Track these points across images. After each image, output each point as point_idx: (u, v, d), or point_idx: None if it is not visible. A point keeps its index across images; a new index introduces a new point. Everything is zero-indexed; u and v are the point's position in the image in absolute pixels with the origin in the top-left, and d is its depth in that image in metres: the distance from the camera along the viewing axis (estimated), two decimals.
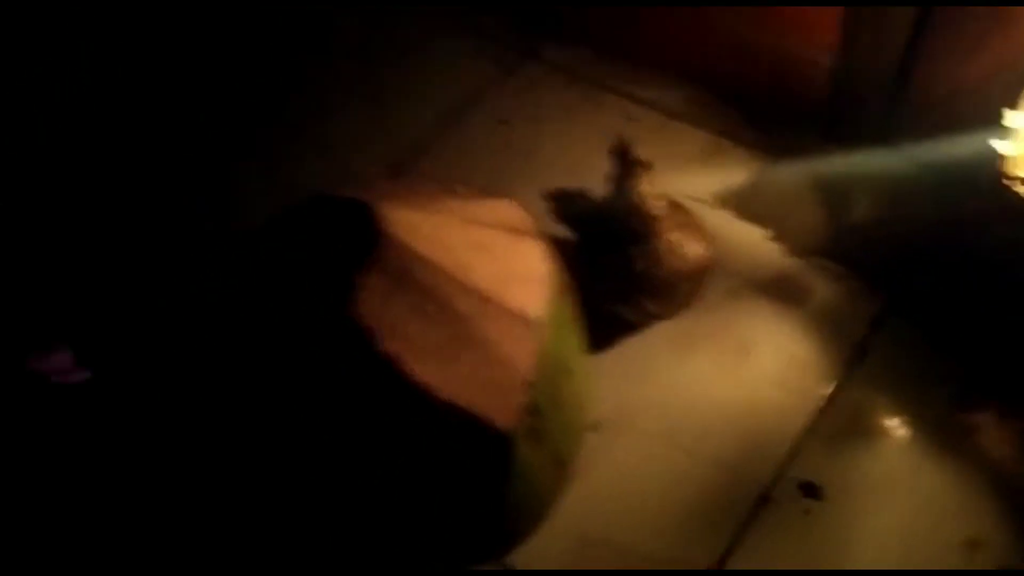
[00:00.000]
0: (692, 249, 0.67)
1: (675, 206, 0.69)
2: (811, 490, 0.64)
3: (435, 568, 0.58)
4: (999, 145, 0.61)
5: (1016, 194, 0.60)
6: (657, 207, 0.66)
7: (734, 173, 0.82)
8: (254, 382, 0.51)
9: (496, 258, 0.54)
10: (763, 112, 0.85)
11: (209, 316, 0.55)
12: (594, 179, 0.71)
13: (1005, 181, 0.60)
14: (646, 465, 0.67)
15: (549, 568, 0.63)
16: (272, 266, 0.54)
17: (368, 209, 0.52)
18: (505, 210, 0.59)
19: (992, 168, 0.61)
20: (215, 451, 0.57)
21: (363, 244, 0.51)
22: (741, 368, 0.71)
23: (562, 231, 0.72)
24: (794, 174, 0.80)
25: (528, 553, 0.63)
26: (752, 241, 0.77)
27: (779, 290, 0.74)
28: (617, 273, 0.67)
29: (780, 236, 0.76)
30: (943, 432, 0.66)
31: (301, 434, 0.51)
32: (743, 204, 0.79)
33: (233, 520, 0.59)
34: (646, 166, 0.66)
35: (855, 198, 0.77)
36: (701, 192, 0.81)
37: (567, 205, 0.71)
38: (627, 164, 0.66)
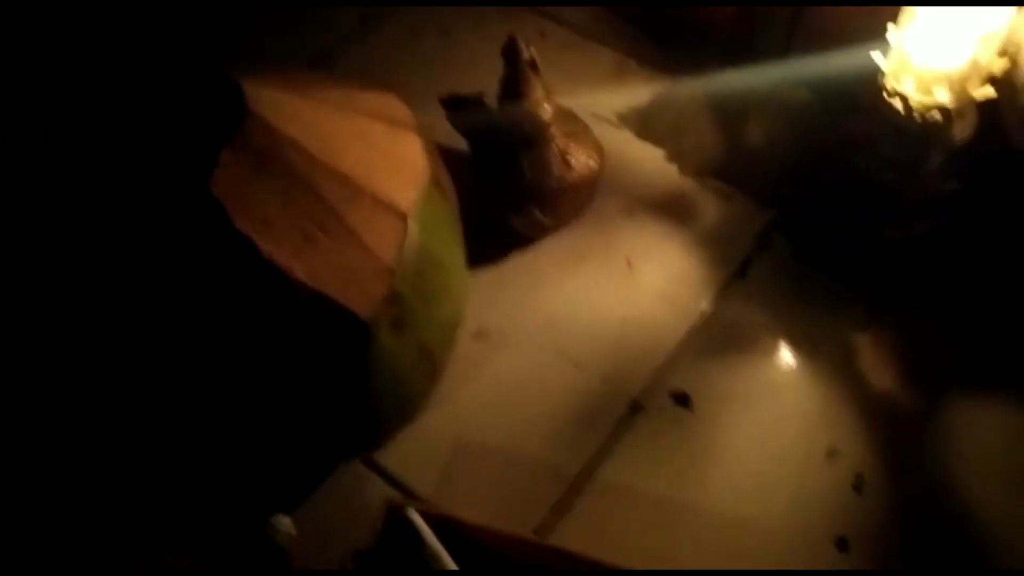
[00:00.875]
0: (582, 159, 0.67)
1: (567, 114, 0.69)
2: (683, 400, 0.66)
3: (301, 466, 0.58)
4: (879, 59, 0.61)
5: (894, 110, 0.60)
6: (548, 113, 0.66)
7: (638, 92, 0.82)
8: (105, 252, 0.50)
9: (370, 148, 0.54)
10: (669, 33, 0.85)
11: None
12: (496, 89, 0.71)
13: (884, 97, 0.61)
14: (525, 374, 0.68)
15: (419, 469, 0.64)
16: (136, 132, 0.53)
17: (239, 88, 0.51)
18: (387, 103, 0.59)
19: (873, 84, 0.62)
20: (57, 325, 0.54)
21: (233, 123, 0.50)
22: (626, 283, 0.71)
23: (458, 141, 0.72)
24: (694, 95, 0.81)
25: (399, 455, 0.64)
26: (649, 160, 0.78)
27: (669, 208, 0.75)
28: (508, 181, 0.67)
29: (676, 156, 0.77)
30: (815, 349, 0.68)
31: (153, 315, 0.50)
32: (644, 123, 0.79)
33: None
34: (537, 68, 0.66)
35: (750, 119, 0.78)
36: (606, 110, 0.81)
37: (461, 110, 0.70)
38: (519, 65, 0.66)
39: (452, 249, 0.58)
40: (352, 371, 0.51)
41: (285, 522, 0.56)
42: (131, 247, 0.49)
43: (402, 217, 0.52)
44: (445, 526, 0.56)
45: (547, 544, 0.57)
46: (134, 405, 0.52)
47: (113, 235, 0.49)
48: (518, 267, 0.72)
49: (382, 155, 0.54)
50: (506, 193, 0.68)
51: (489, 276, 0.72)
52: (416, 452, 0.65)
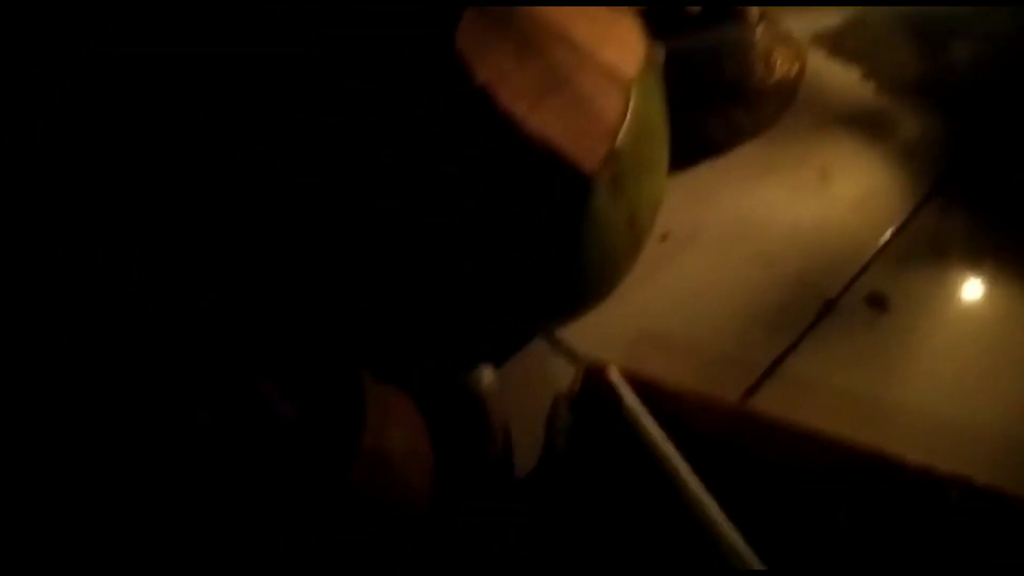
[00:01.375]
0: (785, 61, 0.68)
1: (770, 17, 0.70)
2: (877, 301, 0.66)
3: (502, 327, 0.61)
4: None
5: None
6: (752, 13, 0.67)
7: (831, 11, 0.82)
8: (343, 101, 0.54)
9: (595, 22, 0.56)
10: None
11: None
12: None
13: None
14: (713, 272, 0.69)
15: (603, 354, 0.66)
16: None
17: None
18: None
19: None
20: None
21: None
22: (819, 193, 0.72)
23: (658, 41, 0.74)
24: (890, 14, 0.80)
25: (583, 338, 0.66)
26: (843, 78, 0.78)
27: (865, 124, 0.75)
28: (707, 81, 0.68)
29: (871, 74, 0.77)
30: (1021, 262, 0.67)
31: (383, 161, 0.54)
32: (838, 42, 0.79)
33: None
34: None
35: (950, 41, 0.76)
36: (798, 29, 0.81)
37: (662, 15, 0.72)
38: None
39: (663, 127, 0.60)
40: (568, 227, 0.54)
41: (488, 373, 0.59)
42: (373, 94, 0.53)
43: (626, 86, 0.54)
44: (643, 390, 0.57)
45: (751, 410, 0.58)
46: (350, 247, 0.56)
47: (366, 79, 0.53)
48: (707, 173, 0.73)
49: (605, 30, 0.56)
50: (705, 96, 0.69)
51: (676, 181, 0.72)
52: (600, 338, 0.67)
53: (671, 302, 0.68)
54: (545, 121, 0.52)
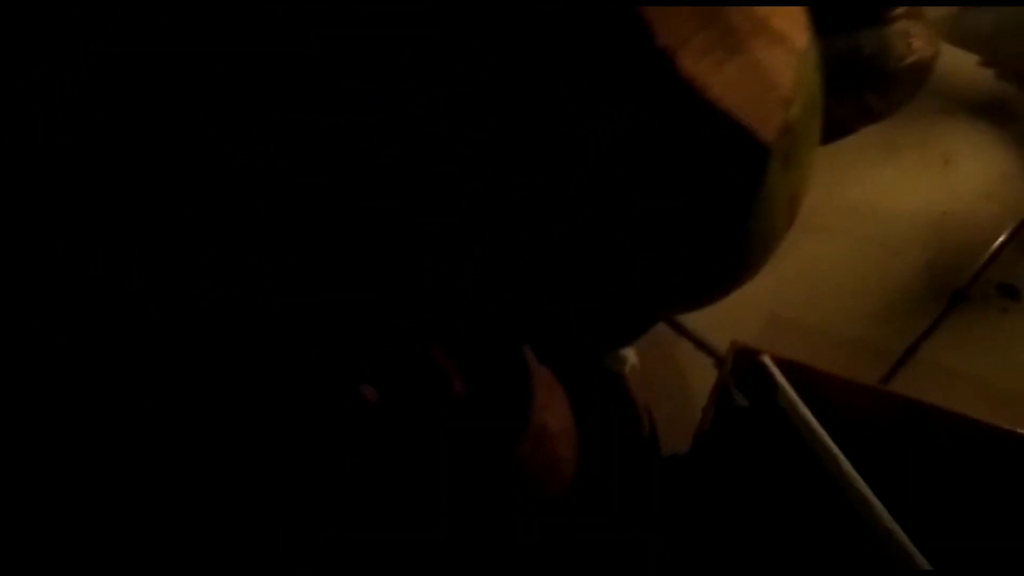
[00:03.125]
0: (921, 42, 0.66)
1: None
2: (1009, 291, 0.64)
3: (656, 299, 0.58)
4: None
5: None
6: None
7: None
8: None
9: None
10: None
11: None
12: None
13: None
14: (841, 258, 0.68)
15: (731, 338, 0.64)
16: None
17: None
18: None
19: None
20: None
21: None
22: (945, 178, 0.70)
23: None
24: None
25: (710, 322, 0.64)
26: (963, 64, 0.76)
27: (989, 110, 0.73)
28: (842, 59, 0.67)
29: (994, 61, 0.75)
30: None
31: (559, 126, 0.52)
32: (957, 29, 0.78)
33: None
34: None
35: None
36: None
37: None
38: None
39: (822, 102, 0.58)
40: (740, 198, 0.52)
41: (631, 354, 0.58)
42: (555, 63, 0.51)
43: (798, 54, 0.52)
44: (788, 371, 0.56)
45: (901, 395, 0.57)
46: (508, 222, 0.54)
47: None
48: (833, 155, 0.71)
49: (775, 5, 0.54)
50: (838, 76, 0.67)
51: None
52: (728, 322, 0.65)
53: (800, 286, 0.66)
54: (725, 86, 0.50)
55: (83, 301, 0.53)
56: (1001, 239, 0.67)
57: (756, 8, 0.52)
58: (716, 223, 0.53)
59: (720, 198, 0.52)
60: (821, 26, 0.67)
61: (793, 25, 0.54)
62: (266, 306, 0.53)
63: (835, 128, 0.70)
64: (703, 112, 0.50)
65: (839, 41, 0.66)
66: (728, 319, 0.66)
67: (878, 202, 0.69)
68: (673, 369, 0.63)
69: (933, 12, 0.78)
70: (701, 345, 0.65)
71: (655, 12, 0.50)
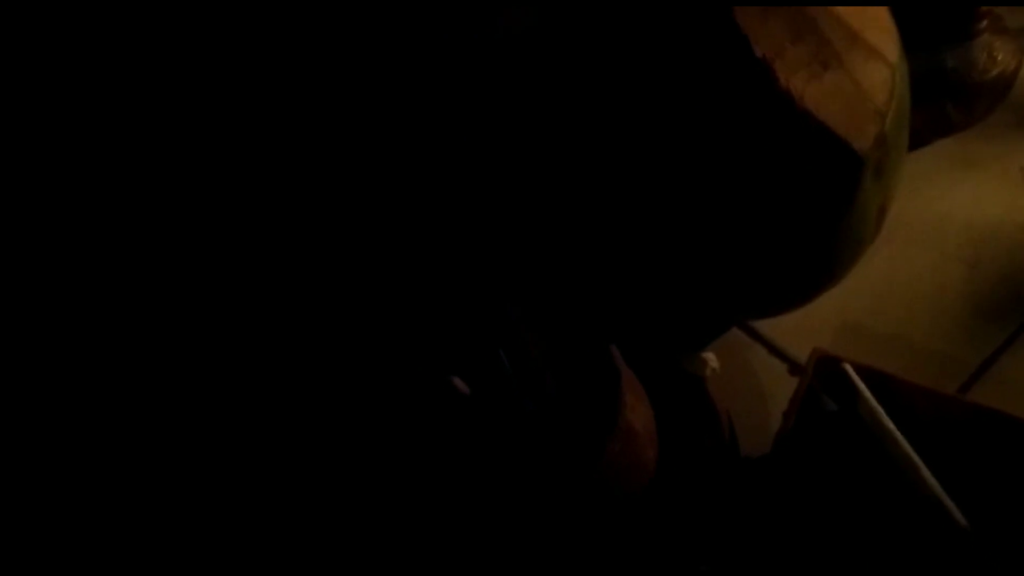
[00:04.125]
0: (1006, 55, 0.66)
1: (994, 12, 0.68)
2: None
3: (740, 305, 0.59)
4: None
5: None
6: (977, 8, 0.65)
7: None
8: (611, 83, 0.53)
9: (857, 8, 0.55)
10: None
11: None
12: None
13: None
14: (915, 269, 0.68)
15: (804, 346, 0.64)
16: None
17: None
18: None
19: None
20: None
21: None
22: (1021, 193, 0.70)
23: None
24: None
25: (783, 329, 0.65)
26: None
27: None
28: (925, 72, 0.67)
29: None
30: None
31: (657, 135, 0.53)
32: None
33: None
34: None
35: None
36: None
37: None
38: None
39: (908, 115, 0.59)
40: (834, 208, 0.53)
41: (712, 358, 0.58)
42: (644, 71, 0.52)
43: (891, 67, 0.53)
44: (867, 377, 0.56)
45: (982, 405, 0.57)
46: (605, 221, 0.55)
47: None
48: (911, 165, 0.71)
49: (866, 14, 0.55)
50: (919, 87, 0.67)
51: None
52: (801, 329, 0.65)
53: (875, 295, 0.66)
54: (821, 97, 0.51)
55: (91, 299, 0.54)
56: None
57: (850, 21, 0.53)
58: (809, 231, 0.54)
59: (814, 207, 0.53)
60: (907, 40, 0.68)
61: (886, 39, 0.55)
62: (349, 295, 0.54)
63: (912, 139, 0.70)
64: (799, 122, 0.50)
65: (923, 53, 0.66)
66: (803, 326, 0.66)
67: (955, 214, 0.69)
68: (748, 374, 0.64)
69: (1017, 24, 0.78)
70: (776, 351, 0.65)
71: (752, 22, 0.51)
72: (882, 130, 0.52)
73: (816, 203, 0.52)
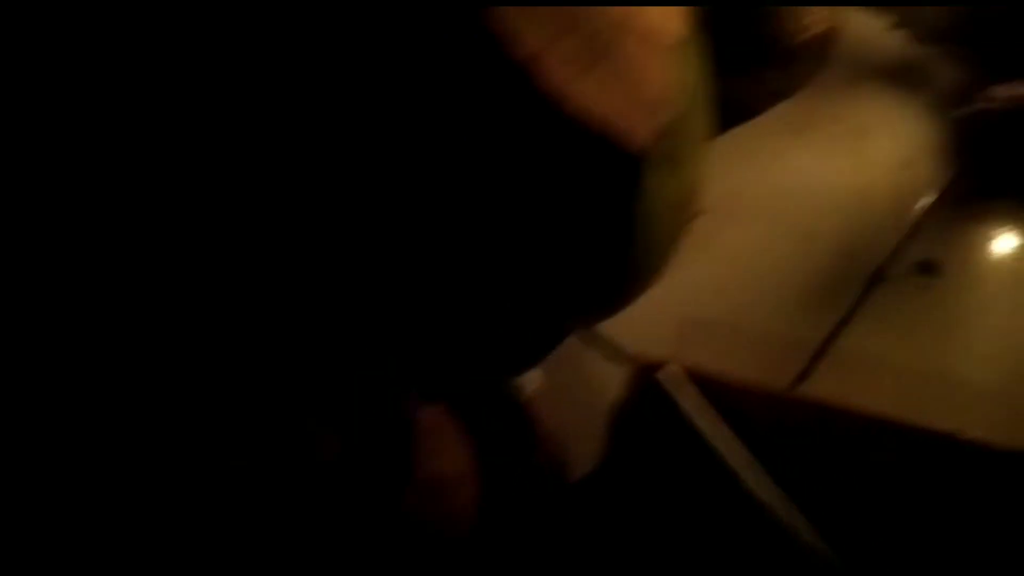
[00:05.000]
0: (816, 17, 0.63)
1: None
2: (928, 267, 0.62)
3: (544, 323, 0.56)
4: None
5: None
6: None
7: None
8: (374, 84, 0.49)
9: None
10: None
11: None
12: None
13: None
14: (754, 248, 0.65)
15: (644, 345, 0.61)
16: None
17: None
18: None
19: None
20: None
21: None
22: (858, 152, 0.67)
23: None
24: None
25: (621, 330, 0.62)
26: (873, 30, 0.73)
27: (901, 76, 0.70)
28: (739, 39, 0.63)
29: (903, 23, 0.72)
30: None
31: (420, 145, 0.48)
32: None
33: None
34: None
35: None
36: None
37: None
38: None
39: (707, 99, 0.55)
40: (619, 210, 0.49)
41: (533, 378, 0.55)
42: (396, 78, 0.48)
43: (671, 52, 0.49)
44: (700, 382, 0.53)
45: (810, 398, 0.54)
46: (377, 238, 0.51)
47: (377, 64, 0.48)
48: (739, 140, 0.68)
49: None
50: (734, 57, 0.64)
51: (711, 150, 0.68)
52: (640, 327, 0.62)
53: (713, 284, 0.63)
54: (592, 95, 0.47)
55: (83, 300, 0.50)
56: (920, 212, 0.64)
57: (625, 7, 0.49)
58: (599, 236, 0.50)
59: (598, 210, 0.49)
60: (711, 9, 0.65)
61: (666, 19, 0.51)
62: None
63: (740, 110, 0.67)
64: (569, 123, 0.46)
65: (732, 21, 0.63)
66: (641, 322, 0.63)
67: (791, 184, 0.66)
68: (583, 384, 0.61)
69: None
70: (613, 354, 0.62)
71: (512, 19, 0.46)
72: (664, 121, 0.48)
73: (601, 204, 0.49)
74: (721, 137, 0.69)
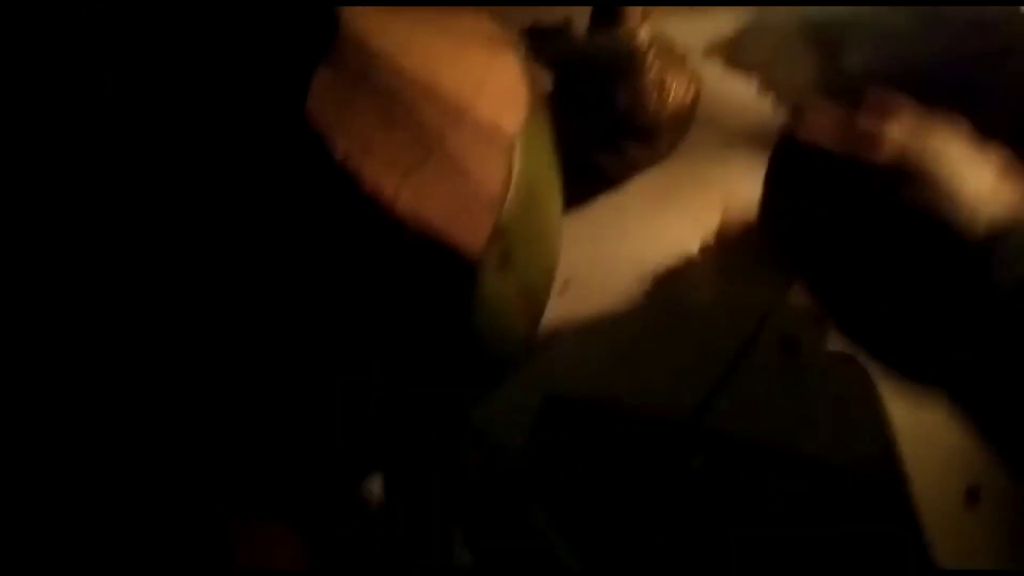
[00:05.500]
0: (679, 89, 0.62)
1: (662, 42, 0.64)
2: (791, 345, 0.62)
3: (395, 423, 0.54)
4: None
5: None
6: (644, 40, 0.61)
7: (726, 19, 0.77)
8: (195, 192, 0.46)
9: (471, 68, 0.49)
10: None
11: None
12: (581, 15, 0.66)
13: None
14: (618, 322, 0.64)
15: (510, 431, 0.60)
16: (222, 59, 0.48)
17: (329, 6, 0.47)
18: (480, 21, 0.54)
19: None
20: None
21: (324, 44, 0.46)
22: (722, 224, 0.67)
23: (542, 71, 0.68)
24: (786, 20, 0.75)
25: (487, 416, 0.59)
26: (741, 91, 0.72)
27: (767, 140, 0.69)
28: (598, 116, 0.62)
29: (770, 86, 0.72)
30: None
31: (244, 251, 0.46)
32: (734, 52, 0.74)
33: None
34: None
35: (848, 45, 0.72)
36: (690, 40, 0.76)
37: (546, 41, 0.65)
38: None
39: (554, 182, 0.54)
40: (456, 312, 0.47)
41: (376, 484, 0.53)
42: (220, 179, 0.45)
43: (507, 144, 0.48)
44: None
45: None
46: (215, 345, 0.48)
47: (200, 165, 0.45)
48: (606, 209, 0.68)
49: (483, 76, 0.49)
50: (595, 129, 0.63)
51: (574, 220, 0.67)
52: (505, 413, 0.60)
53: (580, 360, 0.62)
54: (419, 198, 0.45)
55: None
56: (785, 283, 0.64)
57: (455, 98, 0.47)
58: (435, 339, 0.48)
59: (433, 315, 0.47)
60: (572, 79, 0.63)
61: (503, 106, 0.49)
62: None
63: (604, 179, 0.66)
64: (395, 229, 0.44)
65: (592, 94, 0.62)
66: (505, 410, 0.60)
67: (657, 253, 0.65)
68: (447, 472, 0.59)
69: (711, 34, 0.75)
70: (477, 441, 0.60)
71: (332, 119, 0.44)
72: (499, 220, 0.47)
73: (437, 311, 0.47)
74: (585, 207, 0.68)
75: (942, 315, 0.45)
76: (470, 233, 0.45)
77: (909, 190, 0.45)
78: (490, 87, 0.49)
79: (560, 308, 0.63)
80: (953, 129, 0.48)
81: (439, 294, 0.46)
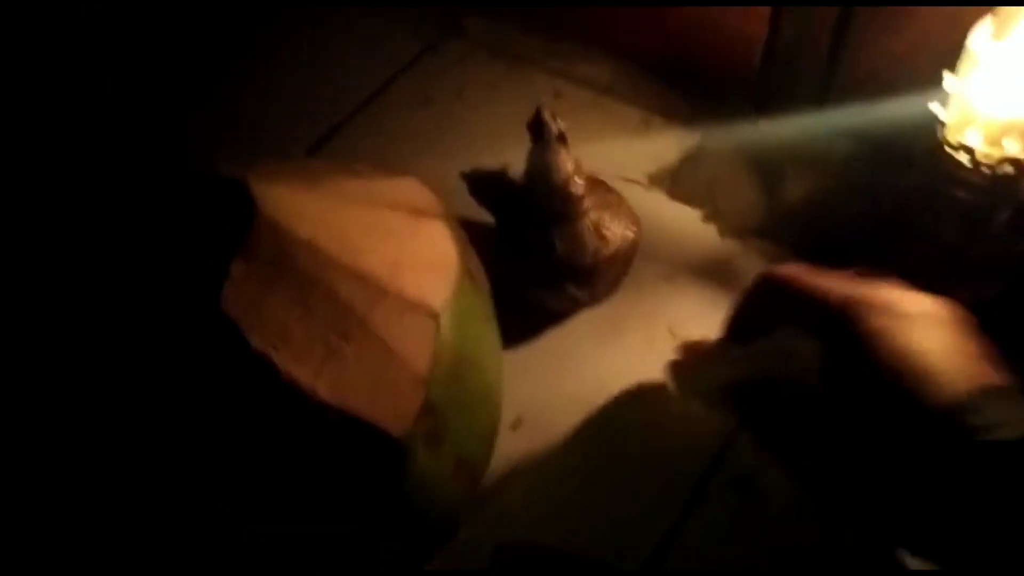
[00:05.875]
0: (617, 230, 0.62)
1: (598, 184, 0.65)
2: (744, 485, 0.61)
3: None
4: (938, 111, 0.57)
5: (957, 164, 0.56)
6: (579, 186, 0.61)
7: (666, 150, 0.77)
8: (114, 384, 0.46)
9: (394, 242, 0.49)
10: (694, 86, 0.81)
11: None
12: (519, 158, 0.67)
13: (946, 150, 0.56)
14: (570, 463, 0.62)
15: None
16: (137, 251, 0.49)
17: (245, 189, 0.47)
18: (408, 189, 0.54)
19: (930, 136, 0.58)
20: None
21: (240, 228, 0.46)
22: (672, 355, 0.66)
23: (481, 214, 0.68)
24: (727, 151, 0.76)
25: (444, 565, 0.58)
26: (684, 222, 0.73)
27: (711, 272, 0.70)
28: (539, 257, 0.62)
29: (713, 216, 0.72)
30: None
31: (168, 446, 0.45)
32: (676, 183, 0.75)
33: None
34: (566, 141, 0.61)
35: (789, 174, 0.73)
36: (632, 172, 0.76)
37: (485, 186, 0.66)
38: (547, 139, 0.61)
39: (489, 347, 0.54)
40: (385, 494, 0.46)
41: None
42: (136, 373, 0.45)
43: (433, 317, 0.47)
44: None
45: None
46: (143, 539, 0.47)
47: (114, 363, 0.45)
48: (552, 345, 0.67)
49: (407, 249, 0.49)
50: (536, 269, 0.63)
51: (520, 357, 0.66)
52: (457, 567, 0.59)
53: (529, 507, 0.60)
54: (339, 383, 0.44)
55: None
56: (730, 424, 0.63)
57: (377, 275, 0.47)
58: (368, 514, 0.47)
59: (363, 492, 0.46)
60: (512, 222, 0.64)
61: (428, 279, 0.49)
62: None
63: (548, 316, 0.66)
64: (316, 415, 0.44)
65: (531, 239, 0.62)
66: (457, 564, 0.60)
67: (607, 391, 0.65)
68: None
69: (654, 165, 0.76)
70: None
71: (246, 310, 0.44)
72: (426, 398, 0.46)
73: (364, 493, 0.46)
74: (531, 343, 0.68)
75: (911, 479, 0.45)
76: (396, 414, 0.45)
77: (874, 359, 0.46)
78: (415, 260, 0.49)
79: (512, 446, 0.62)
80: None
81: (368, 475, 0.45)
